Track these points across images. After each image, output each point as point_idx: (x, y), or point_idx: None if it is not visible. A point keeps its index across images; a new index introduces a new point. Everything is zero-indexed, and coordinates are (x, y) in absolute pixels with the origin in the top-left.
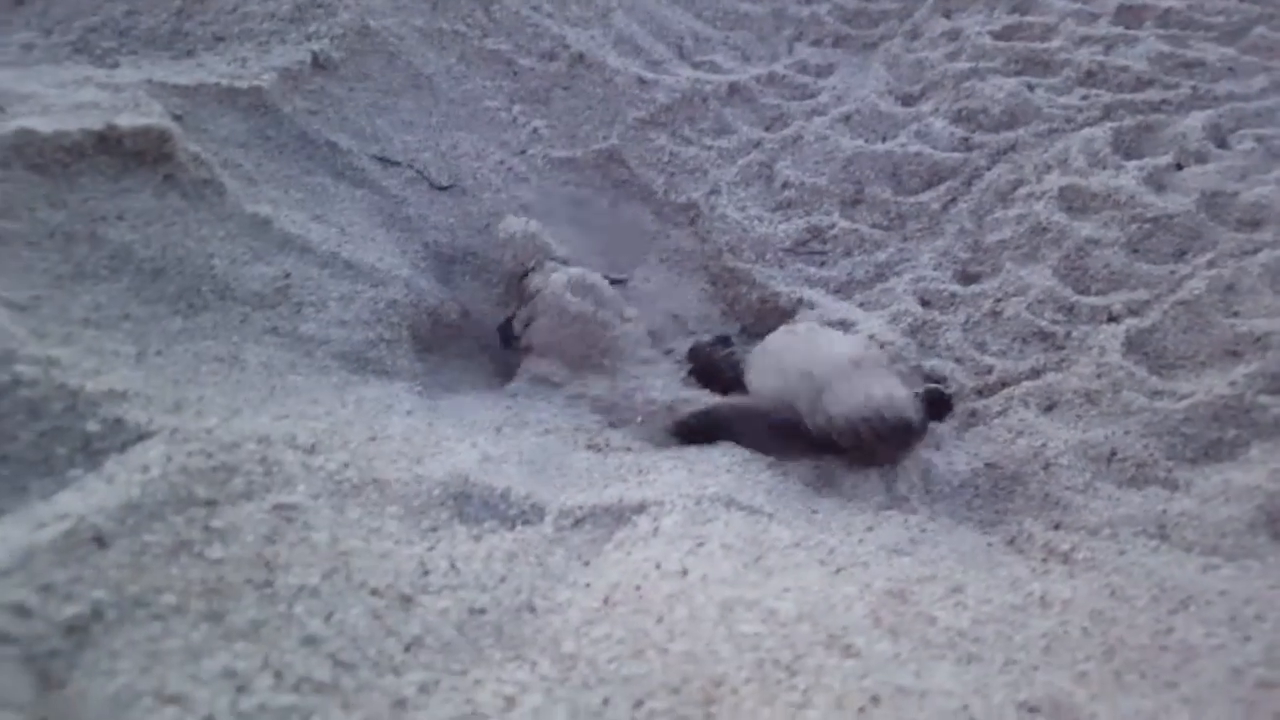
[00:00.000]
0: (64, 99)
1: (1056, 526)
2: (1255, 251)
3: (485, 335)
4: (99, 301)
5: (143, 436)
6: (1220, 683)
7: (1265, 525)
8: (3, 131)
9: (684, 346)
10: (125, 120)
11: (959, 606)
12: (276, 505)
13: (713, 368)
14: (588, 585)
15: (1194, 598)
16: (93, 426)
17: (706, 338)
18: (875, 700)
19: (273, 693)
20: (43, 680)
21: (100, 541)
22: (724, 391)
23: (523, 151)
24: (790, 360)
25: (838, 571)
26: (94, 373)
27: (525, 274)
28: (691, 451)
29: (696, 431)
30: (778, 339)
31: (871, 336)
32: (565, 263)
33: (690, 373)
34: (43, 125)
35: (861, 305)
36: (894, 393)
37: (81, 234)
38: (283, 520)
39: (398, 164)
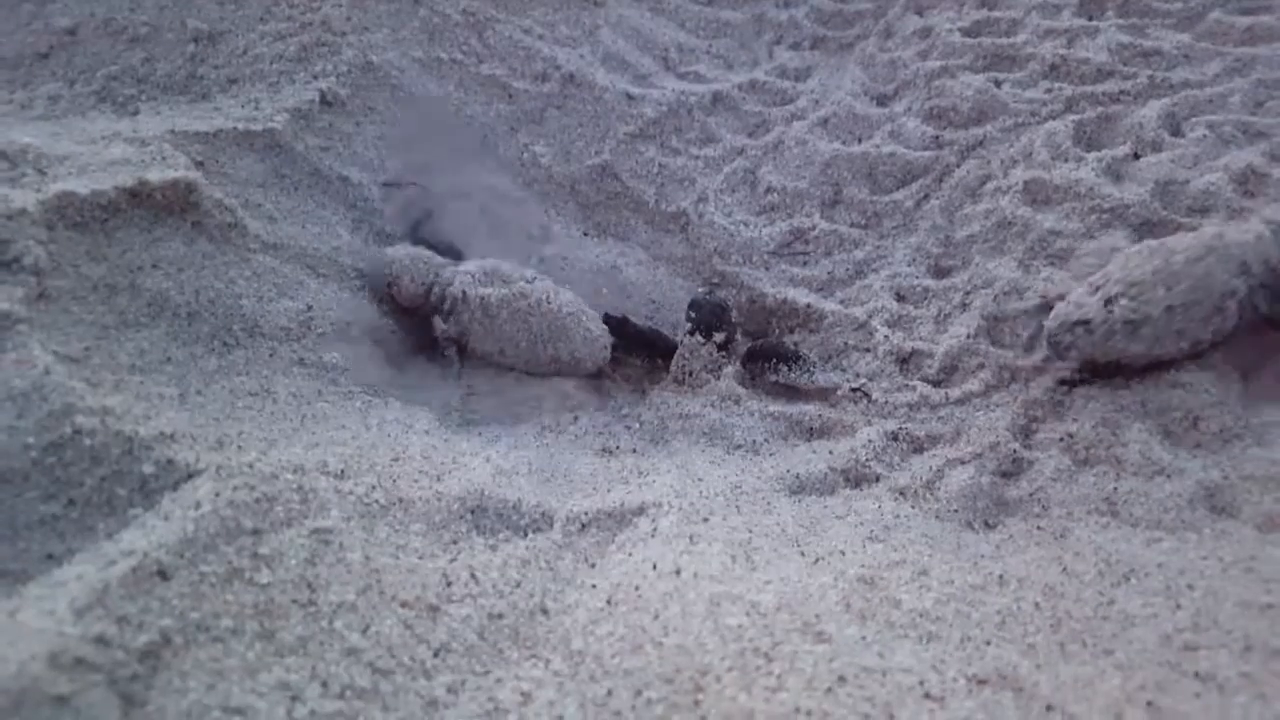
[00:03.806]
0: (96, 157)
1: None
2: None
3: None
4: (142, 348)
5: (192, 474)
6: (1151, 648)
7: (1204, 500)
8: (45, 196)
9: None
10: (154, 175)
11: (923, 589)
12: (314, 530)
13: (721, 311)
14: (594, 586)
15: (1135, 570)
16: (148, 468)
17: (702, 290)
18: (842, 680)
19: (321, 700)
20: (126, 701)
21: (163, 574)
22: (731, 333)
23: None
24: None
25: (816, 561)
26: (144, 417)
27: (429, 290)
28: (683, 452)
29: None
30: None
31: None
32: (454, 263)
33: (693, 324)
34: (80, 186)
35: (842, 302)
36: None
37: (122, 285)
38: (320, 543)
39: (406, 185)
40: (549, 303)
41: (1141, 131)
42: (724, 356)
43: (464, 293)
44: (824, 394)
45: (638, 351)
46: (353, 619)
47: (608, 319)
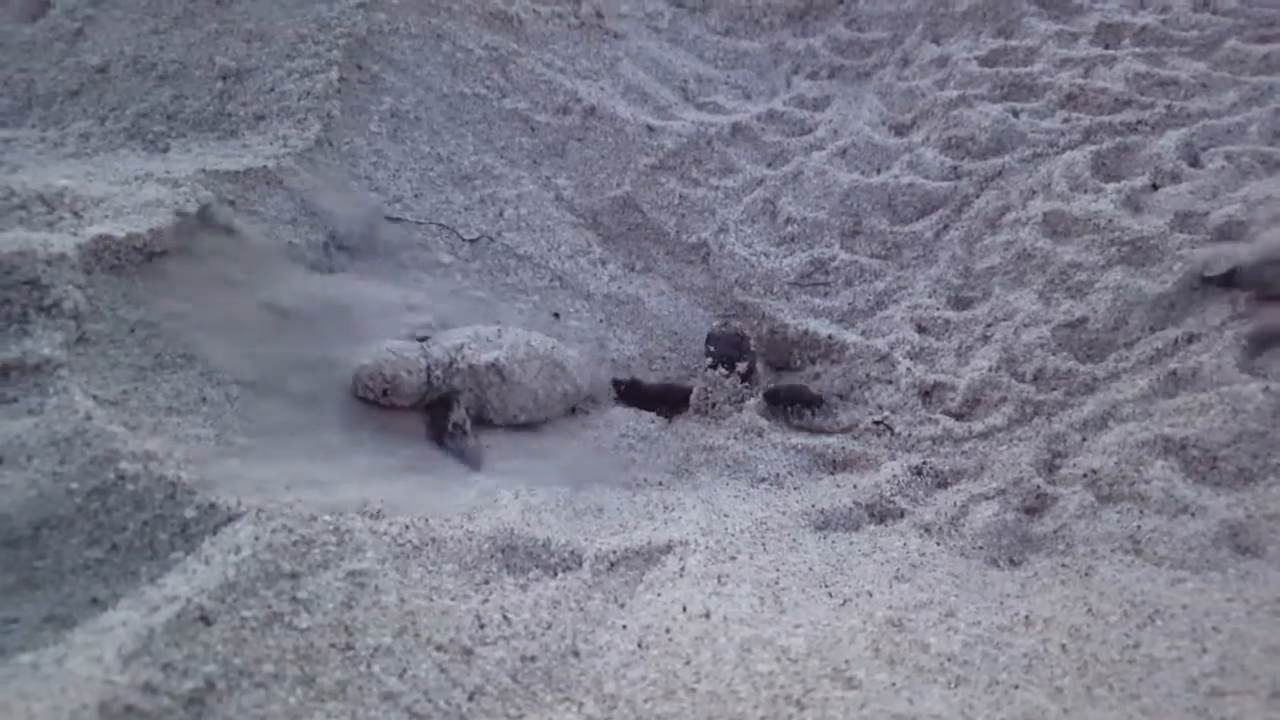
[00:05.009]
0: (130, 199)
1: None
2: None
3: None
4: (178, 389)
5: (232, 518)
6: (1178, 693)
7: (1228, 539)
8: (83, 240)
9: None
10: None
11: (950, 631)
12: (350, 572)
13: (740, 340)
14: (624, 627)
15: (1160, 612)
16: (190, 513)
17: (717, 323)
18: None
19: None
20: None
21: (206, 620)
22: (752, 362)
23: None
24: None
25: (844, 603)
26: (185, 461)
27: (428, 374)
28: (707, 486)
29: None
30: None
31: None
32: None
33: (711, 357)
34: (117, 229)
35: (864, 334)
36: None
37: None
38: (356, 586)
39: (427, 224)
40: (537, 345)
41: (1160, 162)
42: (746, 387)
43: (470, 364)
44: (846, 426)
45: (655, 407)
46: (390, 663)
47: (617, 383)
